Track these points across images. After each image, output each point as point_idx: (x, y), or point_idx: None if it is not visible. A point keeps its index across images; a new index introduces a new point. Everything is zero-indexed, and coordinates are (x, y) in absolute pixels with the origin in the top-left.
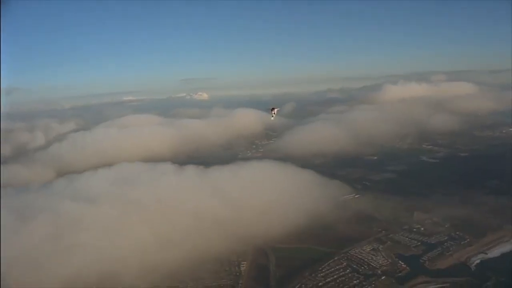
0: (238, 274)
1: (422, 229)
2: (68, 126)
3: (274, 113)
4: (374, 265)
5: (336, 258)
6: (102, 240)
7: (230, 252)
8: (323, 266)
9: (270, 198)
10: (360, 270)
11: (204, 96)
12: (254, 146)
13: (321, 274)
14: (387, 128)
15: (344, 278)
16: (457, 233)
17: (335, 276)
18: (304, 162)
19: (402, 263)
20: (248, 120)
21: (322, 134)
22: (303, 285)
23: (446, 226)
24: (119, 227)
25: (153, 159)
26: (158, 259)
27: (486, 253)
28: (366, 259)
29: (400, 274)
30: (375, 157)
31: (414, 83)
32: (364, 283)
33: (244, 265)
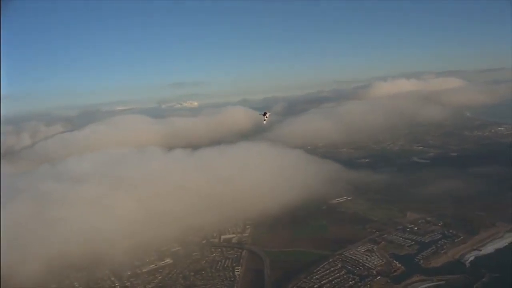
0: (232, 279)
1: (416, 228)
2: (55, 129)
3: (266, 117)
4: (369, 266)
5: (330, 260)
6: (86, 216)
7: (217, 225)
8: (318, 268)
9: (257, 175)
10: (355, 271)
11: (194, 104)
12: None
13: (316, 276)
14: (376, 119)
15: (339, 279)
16: (451, 231)
17: (330, 278)
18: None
19: (397, 262)
20: (238, 117)
21: (312, 126)
22: None
23: (439, 224)
24: (105, 203)
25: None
26: (145, 233)
27: (480, 250)
28: (361, 260)
29: (395, 274)
30: (367, 160)
31: (403, 79)
32: (359, 283)
33: (239, 270)
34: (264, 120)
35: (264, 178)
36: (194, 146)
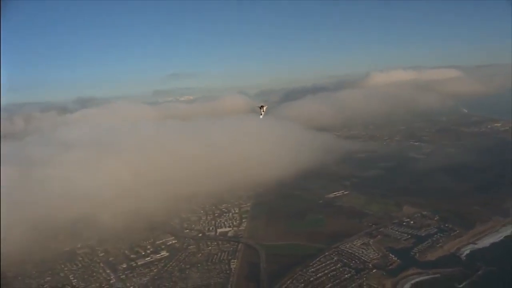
0: (228, 272)
1: (412, 222)
2: (50, 114)
3: (263, 111)
4: (365, 259)
5: (326, 253)
6: (73, 178)
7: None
8: (314, 262)
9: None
10: (351, 264)
11: (190, 98)
12: None
13: (312, 269)
14: (372, 104)
15: (335, 272)
16: (447, 225)
17: (326, 271)
18: None
19: (393, 256)
20: (235, 103)
21: (307, 109)
22: (294, 281)
23: (435, 219)
24: (93, 167)
25: None
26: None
27: (476, 244)
28: (356, 254)
29: (391, 267)
30: (364, 155)
31: (401, 70)
32: (355, 276)
33: (235, 263)
34: (261, 114)
35: (259, 149)
36: None
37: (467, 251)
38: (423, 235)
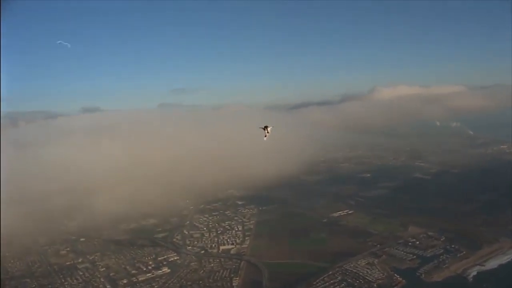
0: None
1: (418, 243)
2: (53, 121)
3: (267, 132)
4: (370, 279)
5: (330, 273)
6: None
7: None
8: (317, 281)
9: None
10: (355, 284)
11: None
12: None
13: None
14: (375, 115)
15: None
16: (453, 246)
17: None
18: None
19: (398, 276)
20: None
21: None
22: None
23: (441, 239)
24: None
25: None
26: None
27: (483, 265)
28: (361, 273)
29: (396, 287)
30: (369, 174)
31: (405, 85)
32: None
33: (237, 280)
34: (265, 135)
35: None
36: None
37: (474, 273)
38: (429, 255)
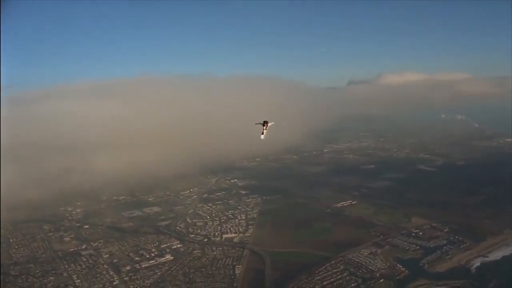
0: (233, 277)
1: (421, 233)
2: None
3: (265, 129)
4: (372, 269)
5: (333, 262)
6: None
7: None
8: (319, 270)
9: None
10: (358, 273)
11: None
12: None
13: (318, 277)
14: (380, 97)
15: (341, 281)
16: (456, 237)
17: (332, 279)
18: None
19: (401, 266)
20: None
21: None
22: None
23: (445, 230)
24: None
25: None
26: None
27: (487, 256)
28: (364, 263)
29: (399, 277)
30: (373, 166)
31: (412, 72)
32: (362, 286)
33: (239, 268)
34: (263, 132)
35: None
36: None
37: (477, 264)
38: (432, 246)
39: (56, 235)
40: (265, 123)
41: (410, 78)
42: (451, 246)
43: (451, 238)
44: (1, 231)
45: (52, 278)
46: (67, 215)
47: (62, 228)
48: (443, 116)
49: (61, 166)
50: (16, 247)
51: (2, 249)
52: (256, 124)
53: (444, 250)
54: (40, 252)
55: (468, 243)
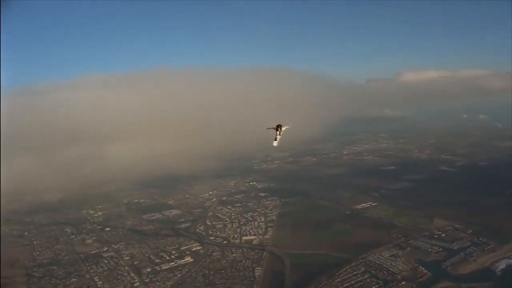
0: (252, 279)
1: (443, 235)
2: None
3: (279, 134)
4: (394, 271)
5: (353, 264)
6: None
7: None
8: (340, 272)
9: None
10: (379, 275)
11: None
12: None
13: (338, 280)
14: (399, 95)
15: (362, 283)
16: (480, 239)
17: (352, 281)
18: None
19: (423, 268)
20: None
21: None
22: None
23: (468, 232)
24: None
25: None
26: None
27: None
28: (385, 265)
29: (421, 279)
30: (393, 167)
31: (432, 70)
32: None
33: (259, 270)
34: (276, 138)
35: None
36: None
37: (503, 266)
38: (455, 248)
39: (78, 237)
40: (278, 127)
41: (431, 75)
42: (475, 248)
43: (475, 239)
44: (25, 233)
45: (74, 279)
46: (89, 218)
47: (84, 230)
48: (465, 116)
49: (79, 154)
50: (40, 249)
51: (26, 252)
52: (268, 129)
53: (467, 252)
54: (62, 254)
55: (492, 245)
